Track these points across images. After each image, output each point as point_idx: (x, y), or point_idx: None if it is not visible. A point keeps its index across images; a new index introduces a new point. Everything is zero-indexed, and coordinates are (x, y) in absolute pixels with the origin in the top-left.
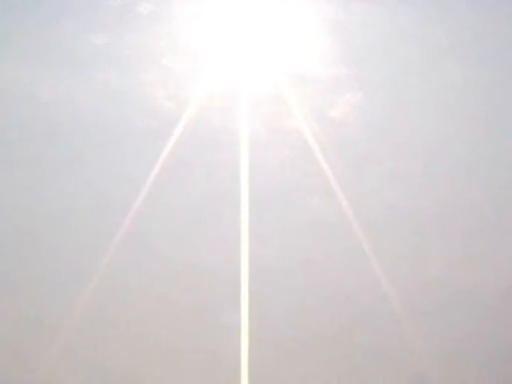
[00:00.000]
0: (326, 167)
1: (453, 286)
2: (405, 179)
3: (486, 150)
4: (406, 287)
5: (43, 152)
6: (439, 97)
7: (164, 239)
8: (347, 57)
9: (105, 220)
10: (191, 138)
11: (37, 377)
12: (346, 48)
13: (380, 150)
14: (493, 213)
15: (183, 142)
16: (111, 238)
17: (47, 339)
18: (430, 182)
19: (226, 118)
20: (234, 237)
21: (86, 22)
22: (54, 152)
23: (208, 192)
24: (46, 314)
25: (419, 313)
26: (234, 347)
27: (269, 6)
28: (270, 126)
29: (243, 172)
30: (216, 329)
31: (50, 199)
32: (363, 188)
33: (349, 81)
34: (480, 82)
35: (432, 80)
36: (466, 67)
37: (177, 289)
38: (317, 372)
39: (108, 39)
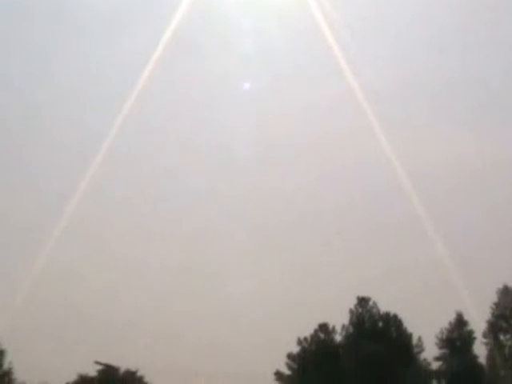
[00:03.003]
0: (334, 47)
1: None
2: (414, 55)
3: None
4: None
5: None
6: None
7: (167, 118)
8: None
9: (109, 99)
10: (195, 21)
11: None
12: None
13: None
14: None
15: (187, 24)
16: (116, 115)
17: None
18: (440, 59)
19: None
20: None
21: None
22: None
23: (215, 72)
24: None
25: (426, 189)
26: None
27: None
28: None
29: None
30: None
31: (53, 80)
32: (373, 66)
33: None
34: None
35: None
36: None
37: (181, 164)
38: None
39: None
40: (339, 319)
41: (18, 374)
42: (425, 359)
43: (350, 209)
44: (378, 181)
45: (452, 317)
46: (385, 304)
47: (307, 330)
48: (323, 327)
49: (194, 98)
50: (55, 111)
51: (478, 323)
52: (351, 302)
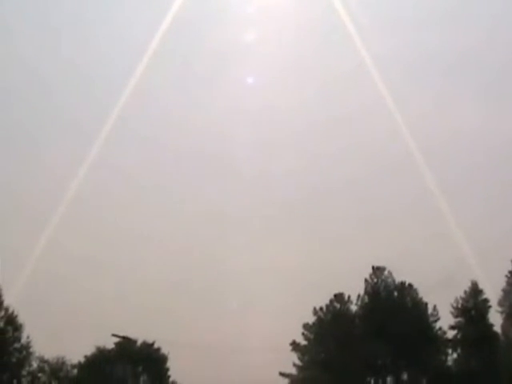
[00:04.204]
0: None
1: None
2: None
3: None
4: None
5: None
6: None
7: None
8: None
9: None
10: None
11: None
12: None
13: None
14: None
15: None
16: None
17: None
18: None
19: None
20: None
21: None
22: None
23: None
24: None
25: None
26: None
27: None
28: None
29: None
30: None
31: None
32: (385, 39)
33: None
34: None
35: None
36: None
37: None
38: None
39: None
40: (354, 289)
41: (36, 347)
42: (440, 328)
43: (364, 182)
44: (390, 154)
45: (467, 285)
46: (400, 273)
47: (323, 300)
48: (339, 297)
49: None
50: (62, 84)
51: (493, 292)
52: (366, 272)
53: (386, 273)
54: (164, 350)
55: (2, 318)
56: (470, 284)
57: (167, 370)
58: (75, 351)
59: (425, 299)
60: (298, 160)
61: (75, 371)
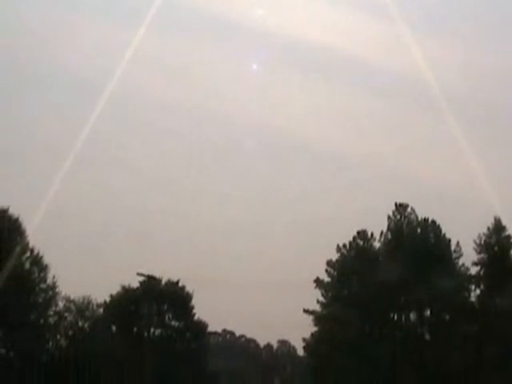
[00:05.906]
0: None
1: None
2: None
3: None
4: None
5: None
6: None
7: None
8: None
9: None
10: None
11: None
12: None
13: None
14: None
15: None
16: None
17: None
18: None
19: None
20: None
21: None
22: None
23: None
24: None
25: None
26: None
27: None
28: None
29: None
30: None
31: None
32: None
33: None
34: None
35: None
36: None
37: None
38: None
39: None
40: (377, 226)
41: (62, 287)
42: (463, 264)
43: (383, 121)
44: (412, 93)
45: (490, 222)
46: (423, 210)
47: (346, 237)
48: (362, 234)
49: None
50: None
51: None
52: (389, 209)
53: (408, 209)
54: (189, 289)
55: (28, 258)
56: (493, 220)
57: (192, 307)
58: (101, 290)
59: (448, 235)
60: (319, 100)
61: (101, 310)
